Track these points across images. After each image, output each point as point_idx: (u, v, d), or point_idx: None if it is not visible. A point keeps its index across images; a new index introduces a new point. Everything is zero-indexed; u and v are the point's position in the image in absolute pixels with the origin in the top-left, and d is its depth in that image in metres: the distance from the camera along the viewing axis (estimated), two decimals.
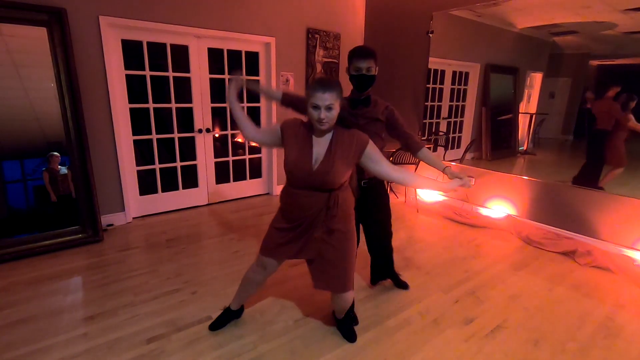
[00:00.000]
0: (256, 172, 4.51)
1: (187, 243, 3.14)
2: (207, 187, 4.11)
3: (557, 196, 3.31)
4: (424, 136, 4.41)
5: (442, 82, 4.26)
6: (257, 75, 4.20)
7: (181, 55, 3.61)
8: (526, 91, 3.59)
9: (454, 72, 4.18)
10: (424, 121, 4.37)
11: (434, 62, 4.18)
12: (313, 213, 1.63)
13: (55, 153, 2.96)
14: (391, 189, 4.69)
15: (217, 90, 3.93)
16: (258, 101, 4.28)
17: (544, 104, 3.47)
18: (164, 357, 1.81)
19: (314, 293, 2.39)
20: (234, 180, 4.32)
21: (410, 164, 4.15)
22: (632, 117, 2.84)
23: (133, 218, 3.62)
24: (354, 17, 4.77)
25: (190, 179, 3.99)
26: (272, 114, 4.30)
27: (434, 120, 4.40)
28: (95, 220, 3.09)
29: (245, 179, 4.41)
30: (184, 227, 3.50)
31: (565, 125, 3.35)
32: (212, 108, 3.93)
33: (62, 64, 2.81)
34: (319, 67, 4.54)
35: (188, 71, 3.68)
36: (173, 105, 3.66)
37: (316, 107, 1.49)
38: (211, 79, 3.85)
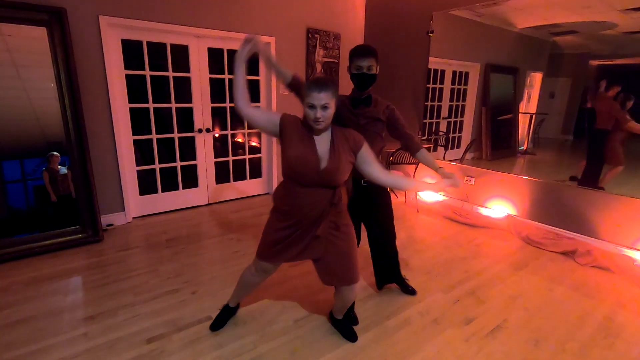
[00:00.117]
0: (256, 172, 4.51)
1: (187, 243, 3.14)
2: (207, 187, 4.11)
3: (557, 196, 3.31)
4: (424, 136, 4.41)
5: (442, 82, 4.26)
6: (257, 75, 4.20)
7: (181, 55, 3.61)
8: (526, 91, 3.59)
9: (454, 72, 4.18)
10: (424, 121, 4.37)
11: (434, 62, 4.18)
12: (317, 211, 1.63)
13: (55, 153, 2.96)
14: (391, 190, 4.68)
15: (217, 90, 3.93)
16: (258, 101, 4.27)
17: (544, 103, 3.46)
18: (164, 357, 1.81)
19: (314, 293, 2.39)
20: (234, 180, 4.32)
21: (410, 163, 4.15)
22: (629, 117, 2.85)
23: (133, 218, 3.62)
24: (354, 17, 4.77)
25: (190, 179, 3.98)
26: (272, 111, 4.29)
27: (434, 120, 4.40)
28: (95, 220, 3.09)
29: (245, 178, 4.41)
30: (184, 227, 3.50)
31: (565, 125, 3.35)
32: (212, 108, 3.93)
33: (62, 63, 2.81)
34: (319, 67, 4.54)
35: (188, 71, 3.68)
36: (173, 105, 3.66)
37: (312, 107, 1.49)
38: (211, 79, 3.85)
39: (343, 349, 1.91)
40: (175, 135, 3.74)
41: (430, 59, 4.17)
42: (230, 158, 4.23)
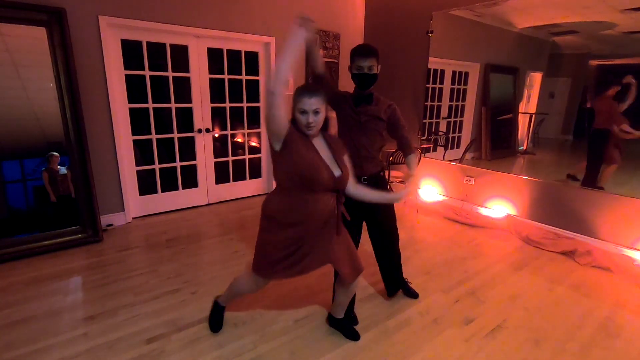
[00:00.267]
0: (256, 172, 4.51)
1: (187, 243, 3.14)
2: (206, 187, 4.11)
3: (557, 196, 3.31)
4: (424, 136, 4.41)
5: (441, 82, 4.26)
6: (257, 75, 4.20)
7: (181, 55, 3.61)
8: (526, 91, 3.59)
9: (454, 72, 4.18)
10: (424, 121, 4.37)
11: (434, 62, 4.18)
12: (326, 215, 1.63)
13: (55, 153, 2.96)
14: (391, 188, 4.68)
15: (217, 90, 3.93)
16: (258, 101, 4.27)
17: (544, 103, 3.47)
18: (164, 357, 1.81)
19: (314, 293, 2.39)
20: (234, 180, 4.32)
21: None
22: (626, 119, 2.87)
23: (133, 218, 3.62)
24: (353, 17, 4.77)
25: (190, 179, 3.98)
26: None
27: (434, 120, 4.40)
28: (95, 220, 3.09)
29: (245, 179, 4.41)
30: (183, 227, 3.50)
31: (565, 125, 3.35)
32: (212, 108, 3.93)
33: (62, 63, 2.81)
34: None
35: (188, 71, 3.68)
36: (173, 105, 3.66)
37: (304, 112, 1.51)
38: (211, 79, 3.85)
39: (343, 349, 1.91)
40: (175, 135, 3.74)
41: (430, 59, 4.17)
42: (230, 158, 4.23)
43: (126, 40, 3.28)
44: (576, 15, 3.05)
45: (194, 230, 3.44)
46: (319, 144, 1.63)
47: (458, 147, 4.28)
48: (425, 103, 4.32)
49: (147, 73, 3.43)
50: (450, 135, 4.35)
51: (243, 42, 3.97)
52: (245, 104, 4.18)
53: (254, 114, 4.32)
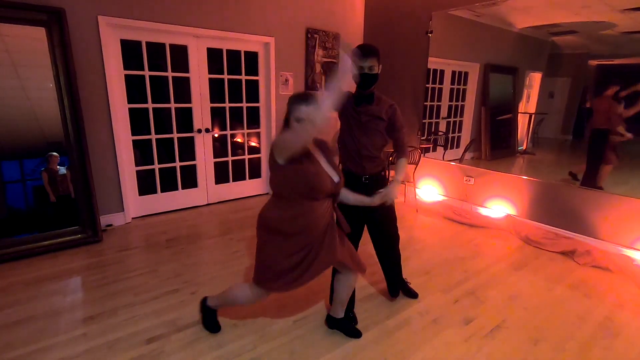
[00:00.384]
0: (256, 172, 4.50)
1: (187, 243, 3.14)
2: (206, 187, 4.11)
3: (556, 196, 3.31)
4: (424, 136, 4.41)
5: (441, 82, 4.27)
6: (257, 75, 4.20)
7: (180, 55, 3.61)
8: (525, 91, 3.59)
9: (454, 72, 4.19)
10: (424, 121, 4.37)
11: (434, 62, 4.18)
12: (327, 219, 1.67)
13: (54, 153, 2.96)
14: None
15: (217, 90, 3.93)
16: (257, 101, 4.27)
17: (543, 103, 3.47)
18: (164, 357, 1.81)
19: (314, 293, 2.39)
20: (234, 180, 4.32)
21: (410, 164, 4.15)
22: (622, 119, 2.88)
23: (132, 218, 3.62)
24: (353, 17, 4.77)
25: (190, 179, 3.98)
26: (272, 115, 4.30)
27: (434, 120, 4.40)
28: (94, 220, 3.09)
29: (244, 179, 4.41)
30: (183, 227, 3.50)
31: (565, 125, 3.36)
32: (212, 108, 3.93)
33: (61, 64, 2.81)
34: (318, 67, 4.54)
35: (187, 71, 3.68)
36: (172, 105, 3.65)
37: (301, 120, 1.52)
38: (210, 79, 3.85)
39: (343, 349, 1.91)
40: (175, 135, 3.74)
41: (430, 59, 4.17)
42: (230, 158, 4.23)
43: (126, 40, 3.27)
44: (575, 15, 3.05)
45: (194, 230, 3.44)
46: (315, 151, 1.66)
47: (458, 147, 4.28)
48: (425, 103, 4.32)
49: (147, 73, 3.43)
50: (450, 135, 4.35)
51: (242, 42, 3.96)
52: (244, 104, 4.18)
53: (253, 114, 4.32)
